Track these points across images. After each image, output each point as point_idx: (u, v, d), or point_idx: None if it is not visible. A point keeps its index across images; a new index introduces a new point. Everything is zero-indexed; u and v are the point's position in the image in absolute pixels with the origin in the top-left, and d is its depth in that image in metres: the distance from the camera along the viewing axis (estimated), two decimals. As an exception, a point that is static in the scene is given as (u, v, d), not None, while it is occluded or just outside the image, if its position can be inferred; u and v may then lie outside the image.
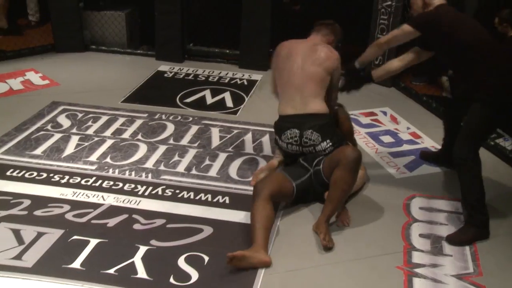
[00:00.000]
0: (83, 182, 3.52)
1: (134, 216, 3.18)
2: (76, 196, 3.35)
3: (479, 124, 3.19)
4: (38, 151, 3.89)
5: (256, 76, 5.60)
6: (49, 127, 4.25)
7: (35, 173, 3.58)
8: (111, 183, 3.52)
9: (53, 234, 2.96)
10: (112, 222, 3.11)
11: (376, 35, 5.31)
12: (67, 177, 3.56)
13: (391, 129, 4.57)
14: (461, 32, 3.21)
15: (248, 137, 4.26)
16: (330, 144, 3.39)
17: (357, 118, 4.70)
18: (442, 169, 3.93)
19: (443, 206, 3.47)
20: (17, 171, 3.61)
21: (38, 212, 3.16)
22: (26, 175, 3.56)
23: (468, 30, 3.23)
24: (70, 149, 3.94)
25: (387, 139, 4.38)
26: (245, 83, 5.42)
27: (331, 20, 3.77)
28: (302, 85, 3.44)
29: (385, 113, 4.86)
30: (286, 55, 3.55)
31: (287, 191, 3.23)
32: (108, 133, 4.21)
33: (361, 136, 4.34)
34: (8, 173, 3.57)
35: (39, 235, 2.94)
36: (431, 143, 4.27)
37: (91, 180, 3.54)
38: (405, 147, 4.24)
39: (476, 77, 3.19)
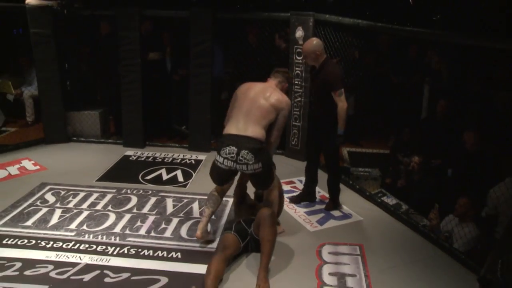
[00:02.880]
0: (64, 246, 3.51)
1: (105, 271, 3.20)
2: (59, 258, 3.34)
3: (334, 145, 3.98)
4: (29, 222, 3.85)
5: (202, 156, 5.55)
6: (38, 203, 4.21)
7: (26, 241, 3.56)
8: (87, 245, 3.52)
9: (39, 290, 2.92)
10: (87, 277, 3.13)
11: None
12: (51, 242, 3.54)
13: (306, 193, 4.61)
14: None
15: (196, 205, 4.28)
16: (261, 167, 3.28)
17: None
18: (343, 222, 4.07)
19: (345, 250, 3.61)
20: (11, 239, 3.57)
21: (27, 272, 3.14)
22: (19, 243, 3.53)
23: None
24: (54, 220, 3.91)
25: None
26: (193, 162, 5.39)
27: (286, 68, 3.81)
28: (249, 111, 3.31)
29: (300, 181, 4.77)
30: (244, 89, 3.45)
31: (237, 250, 3.37)
32: (84, 206, 4.18)
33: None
34: (4, 242, 3.53)
35: (28, 291, 2.89)
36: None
37: (71, 244, 3.54)
38: (317, 207, 4.35)
39: (328, 106, 3.87)
